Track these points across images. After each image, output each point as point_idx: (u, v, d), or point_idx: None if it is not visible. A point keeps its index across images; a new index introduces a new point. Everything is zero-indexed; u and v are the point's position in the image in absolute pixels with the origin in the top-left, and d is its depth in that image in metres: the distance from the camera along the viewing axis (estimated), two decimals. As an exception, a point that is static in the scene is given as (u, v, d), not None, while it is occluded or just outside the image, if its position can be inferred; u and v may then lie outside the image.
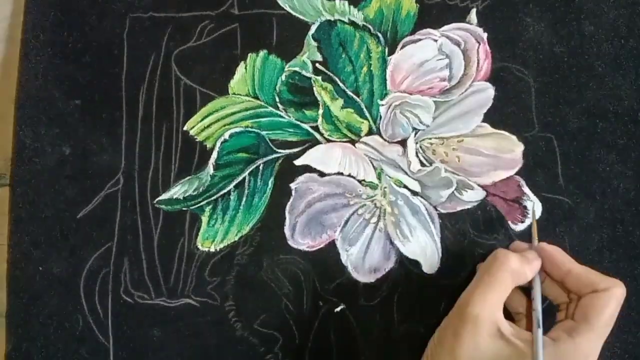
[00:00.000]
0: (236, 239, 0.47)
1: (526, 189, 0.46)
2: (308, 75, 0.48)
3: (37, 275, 0.48)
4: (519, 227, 0.46)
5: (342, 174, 0.47)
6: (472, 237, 0.46)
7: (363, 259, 0.46)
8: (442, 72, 0.47)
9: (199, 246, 0.47)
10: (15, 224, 0.48)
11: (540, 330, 0.38)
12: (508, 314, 0.42)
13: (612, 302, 0.38)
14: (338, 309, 0.46)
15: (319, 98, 0.48)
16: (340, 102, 0.48)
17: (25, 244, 0.48)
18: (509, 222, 0.46)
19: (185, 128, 0.48)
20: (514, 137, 0.46)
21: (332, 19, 0.48)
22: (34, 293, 0.47)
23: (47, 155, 0.49)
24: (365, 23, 0.48)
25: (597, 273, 0.40)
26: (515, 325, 0.39)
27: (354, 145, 0.48)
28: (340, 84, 0.48)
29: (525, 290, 0.42)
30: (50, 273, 0.47)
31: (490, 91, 0.47)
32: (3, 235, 0.49)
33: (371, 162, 0.47)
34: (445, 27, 0.48)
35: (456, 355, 0.37)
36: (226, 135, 0.48)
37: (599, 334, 0.38)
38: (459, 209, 0.46)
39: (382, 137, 0.48)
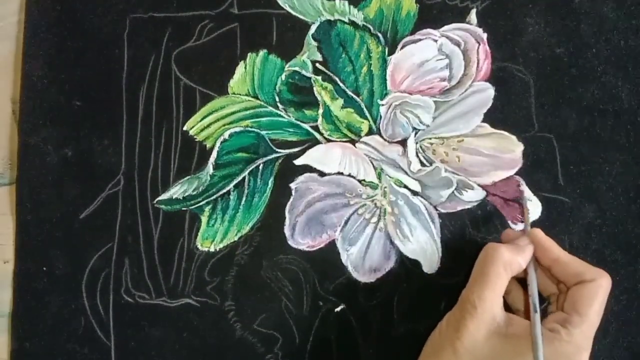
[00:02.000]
0: (236, 238, 0.47)
1: (526, 189, 0.46)
2: (308, 75, 0.48)
3: (41, 275, 0.48)
4: (519, 227, 0.46)
5: (342, 173, 0.47)
6: (472, 237, 0.46)
7: (363, 259, 0.46)
8: (442, 72, 0.47)
9: (199, 246, 0.47)
10: (20, 225, 0.48)
11: (538, 315, 0.38)
12: (510, 312, 0.42)
13: (600, 293, 0.38)
14: (338, 309, 0.46)
15: (319, 98, 0.48)
16: (340, 102, 0.48)
17: (30, 244, 0.48)
18: (509, 222, 0.46)
19: (185, 128, 0.48)
20: (514, 137, 0.46)
21: (332, 18, 0.48)
22: (37, 293, 0.48)
23: (51, 157, 0.49)
24: (365, 23, 0.48)
25: (584, 263, 0.40)
26: (515, 317, 0.40)
27: (354, 145, 0.48)
28: (340, 84, 0.48)
29: (525, 285, 0.42)
30: (54, 273, 0.48)
31: (490, 91, 0.47)
32: (2, 235, 0.49)
33: (371, 162, 0.47)
34: (445, 27, 0.48)
35: (456, 348, 0.38)
36: (226, 135, 0.48)
37: (591, 325, 0.38)
38: (459, 208, 0.46)
39: (382, 137, 0.47)
